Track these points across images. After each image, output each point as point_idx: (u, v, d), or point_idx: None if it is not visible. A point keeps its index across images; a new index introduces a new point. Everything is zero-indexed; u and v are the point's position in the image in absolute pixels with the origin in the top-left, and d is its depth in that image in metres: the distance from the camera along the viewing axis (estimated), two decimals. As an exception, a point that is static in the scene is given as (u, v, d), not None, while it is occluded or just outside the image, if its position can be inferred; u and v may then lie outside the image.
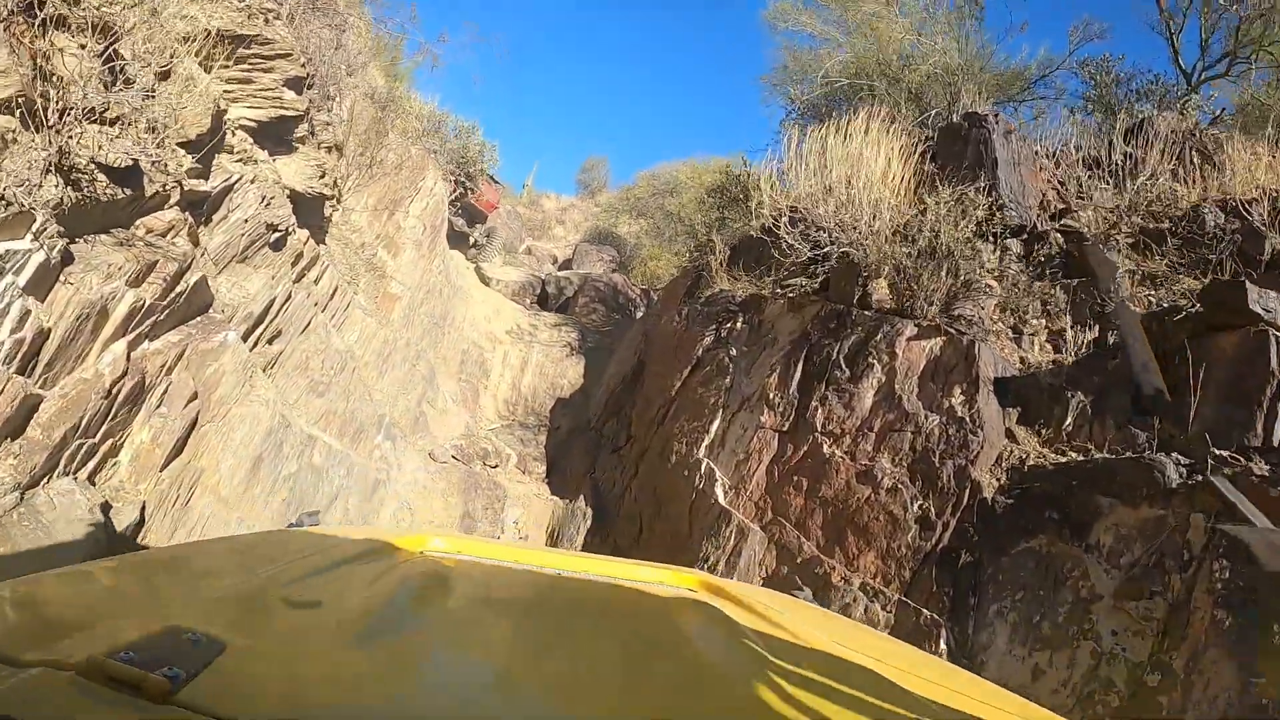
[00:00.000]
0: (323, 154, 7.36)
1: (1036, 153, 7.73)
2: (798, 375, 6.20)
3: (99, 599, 1.12)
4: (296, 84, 6.82)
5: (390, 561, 1.50)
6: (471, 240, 18.26)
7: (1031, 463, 5.09)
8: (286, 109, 6.63)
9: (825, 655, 1.28)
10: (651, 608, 1.49)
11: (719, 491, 6.07)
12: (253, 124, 6.42)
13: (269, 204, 6.14)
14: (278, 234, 6.28)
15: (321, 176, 7.08)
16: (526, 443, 11.20)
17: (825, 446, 5.54)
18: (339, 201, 9.51)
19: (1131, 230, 6.18)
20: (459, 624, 1.23)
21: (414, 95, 12.04)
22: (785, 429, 5.95)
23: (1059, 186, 7.66)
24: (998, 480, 4.98)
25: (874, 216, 6.71)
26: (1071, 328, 5.93)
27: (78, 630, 0.88)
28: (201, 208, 5.76)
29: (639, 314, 16.07)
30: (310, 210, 7.42)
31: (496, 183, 18.79)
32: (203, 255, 5.82)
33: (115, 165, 4.58)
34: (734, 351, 7.49)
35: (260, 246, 6.21)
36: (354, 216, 10.07)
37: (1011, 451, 5.13)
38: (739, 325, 7.87)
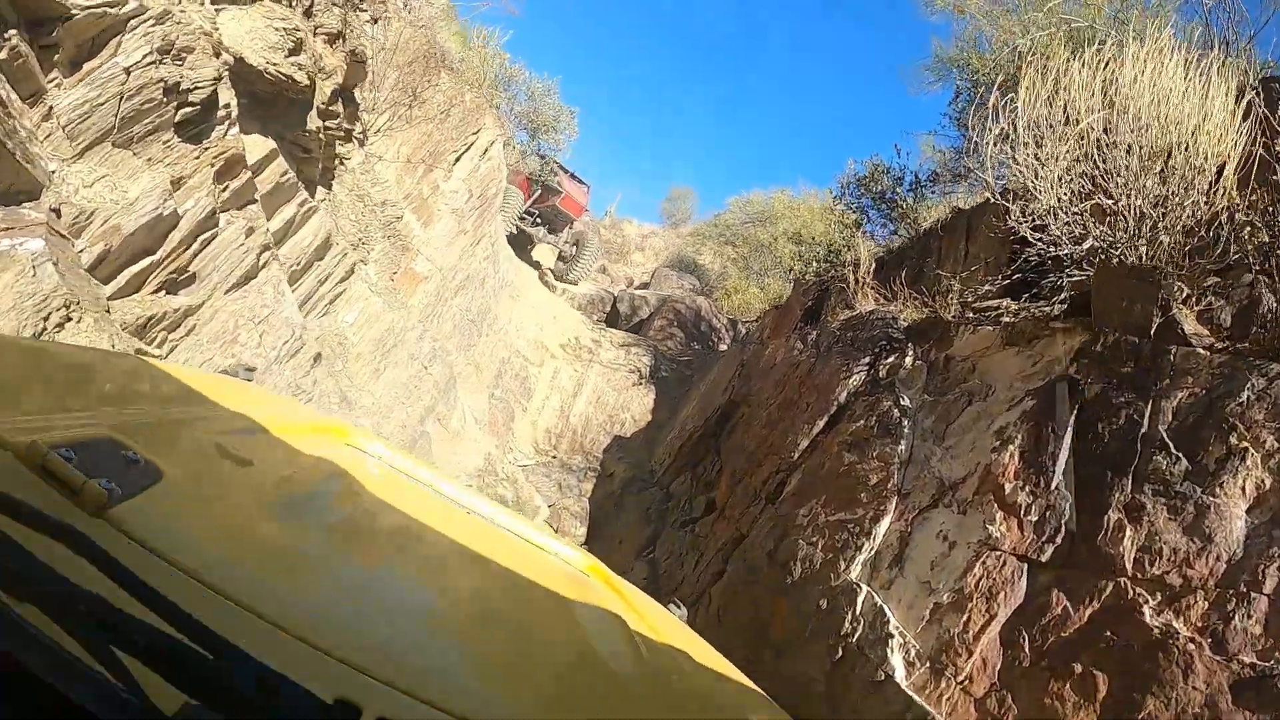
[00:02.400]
0: (301, 23, 4.83)
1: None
2: (1063, 456, 3.26)
3: (25, 380, 1.00)
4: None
5: (319, 443, 1.43)
6: (558, 252, 14.78)
7: None
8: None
9: (672, 652, 1.36)
10: (546, 570, 1.48)
11: (897, 661, 3.15)
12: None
13: (179, 58, 3.67)
14: (188, 110, 3.79)
15: (292, 53, 4.53)
16: (566, 490, 8.44)
17: (1146, 609, 2.57)
18: (361, 141, 7.14)
19: None
20: (372, 530, 1.21)
21: (478, 32, 9.63)
22: (1044, 558, 3.00)
23: None
24: None
25: (1199, 193, 3.80)
26: None
27: (10, 407, 0.81)
28: (52, 33, 3.34)
29: (723, 347, 13.24)
30: (279, 112, 4.92)
31: (582, 183, 14.54)
32: (46, 117, 3.38)
33: None
34: (905, 401, 4.61)
35: (157, 128, 3.73)
36: (380, 167, 7.69)
37: None
38: (908, 361, 4.99)
